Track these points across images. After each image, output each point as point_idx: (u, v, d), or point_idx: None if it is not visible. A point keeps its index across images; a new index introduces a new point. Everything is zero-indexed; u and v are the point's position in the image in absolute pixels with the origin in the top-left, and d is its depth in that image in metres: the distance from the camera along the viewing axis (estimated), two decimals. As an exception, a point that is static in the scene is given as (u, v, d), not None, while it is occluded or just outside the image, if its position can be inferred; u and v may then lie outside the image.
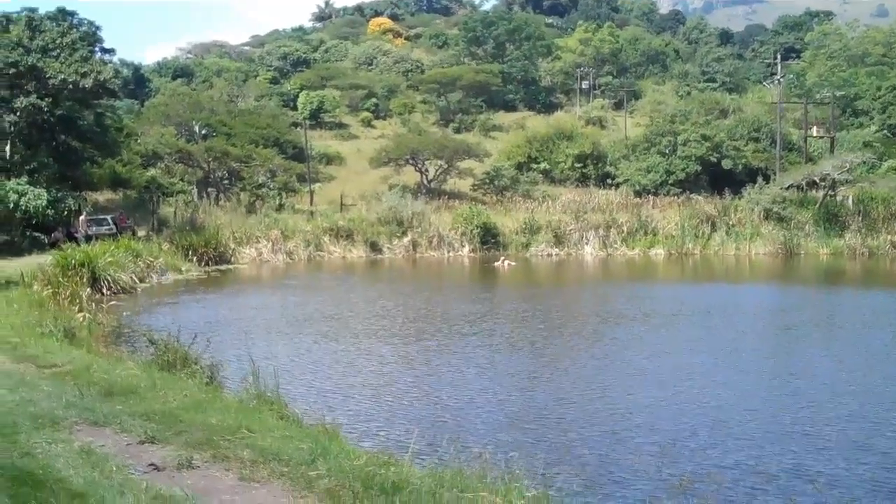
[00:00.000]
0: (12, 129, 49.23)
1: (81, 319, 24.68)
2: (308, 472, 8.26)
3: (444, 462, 9.10)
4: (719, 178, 69.93)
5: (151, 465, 8.69)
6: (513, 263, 51.02)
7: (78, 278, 31.27)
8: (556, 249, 58.04)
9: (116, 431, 10.11)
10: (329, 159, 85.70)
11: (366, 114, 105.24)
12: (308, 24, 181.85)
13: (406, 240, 57.65)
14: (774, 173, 66.97)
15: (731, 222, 58.73)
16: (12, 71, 47.60)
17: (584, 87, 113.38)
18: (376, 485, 7.78)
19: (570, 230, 59.06)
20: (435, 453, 9.90)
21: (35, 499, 7.26)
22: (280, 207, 63.87)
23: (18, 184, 45.76)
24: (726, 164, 73.00)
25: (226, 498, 7.72)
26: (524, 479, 8.16)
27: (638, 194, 69.08)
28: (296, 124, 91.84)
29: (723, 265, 52.54)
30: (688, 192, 67.67)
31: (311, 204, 67.02)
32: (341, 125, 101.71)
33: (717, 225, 58.61)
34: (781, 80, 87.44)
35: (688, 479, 11.94)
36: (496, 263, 50.68)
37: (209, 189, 68.36)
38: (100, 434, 9.98)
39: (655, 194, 68.01)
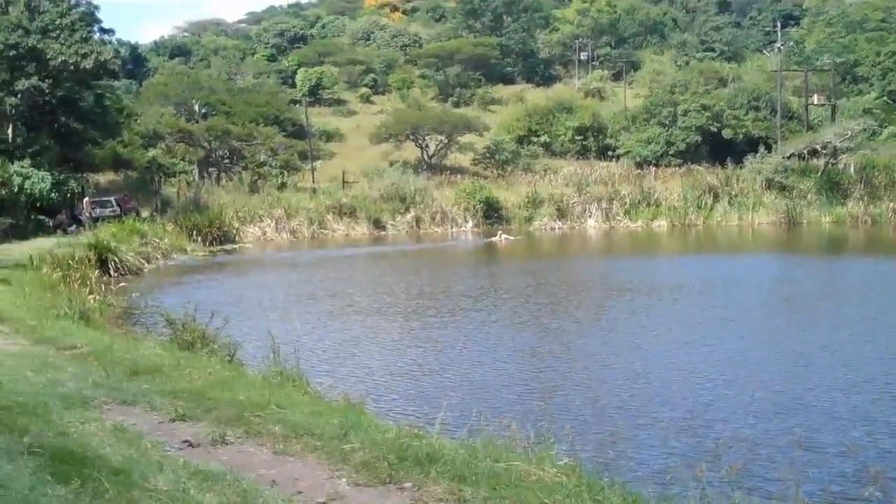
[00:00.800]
0: (14, 111, 49.17)
1: (93, 301, 24.84)
2: (341, 445, 8.39)
3: (473, 434, 9.26)
4: (720, 148, 69.89)
5: (185, 441, 8.83)
6: (510, 238, 50.96)
7: (86, 261, 31.41)
8: (560, 223, 58.20)
9: (146, 410, 10.24)
10: (329, 136, 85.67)
11: (364, 89, 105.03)
12: (304, 0, 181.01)
13: (409, 216, 57.82)
14: (775, 142, 67.02)
15: (733, 192, 58.86)
16: (13, 53, 47.45)
17: (582, 58, 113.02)
18: (410, 456, 7.92)
19: (573, 203, 59.20)
20: (462, 426, 10.05)
21: (78, 475, 7.41)
22: (282, 186, 63.94)
23: (22, 167, 45.76)
24: (727, 133, 72.95)
25: (263, 472, 7.87)
26: (555, 447, 8.32)
27: (639, 166, 69.13)
28: (295, 101, 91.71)
29: (726, 235, 52.74)
30: (689, 162, 67.64)
31: (313, 181, 67.04)
32: (340, 101, 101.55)
33: (719, 195, 58.75)
34: (781, 47, 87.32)
35: (721, 443, 12.10)
36: (493, 238, 50.69)
37: (210, 168, 68.39)
38: (130, 413, 10.11)
39: (657, 165, 68.03)
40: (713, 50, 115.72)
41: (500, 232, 52.00)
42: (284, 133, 75.84)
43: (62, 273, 27.78)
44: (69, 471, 7.56)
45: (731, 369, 18.00)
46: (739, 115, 75.71)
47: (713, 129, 72.91)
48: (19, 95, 48.02)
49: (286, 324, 23.42)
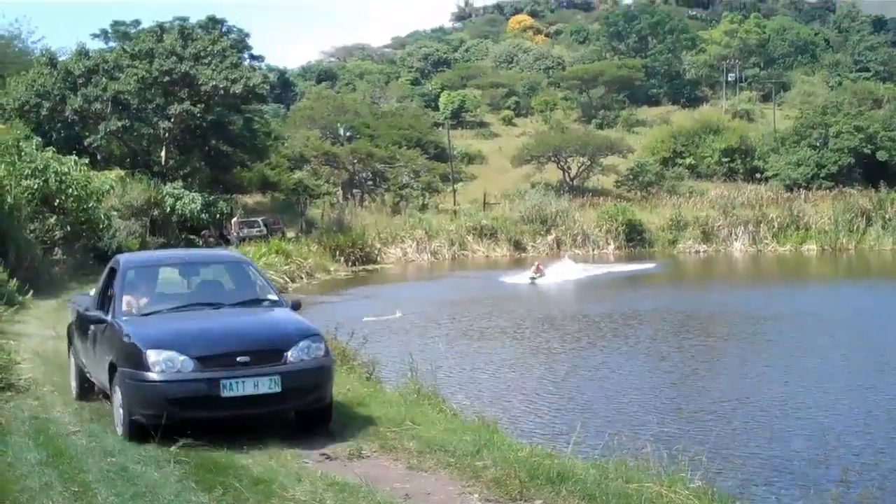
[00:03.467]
0: (167, 135, 51.18)
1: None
2: (474, 462, 8.49)
3: (606, 455, 9.23)
4: (874, 171, 67.48)
5: (323, 454, 9.08)
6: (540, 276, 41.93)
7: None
8: (704, 246, 57.06)
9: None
10: (471, 158, 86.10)
11: (507, 112, 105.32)
12: (448, 24, 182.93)
13: (550, 238, 57.60)
14: (933, 164, 64.39)
15: (887, 216, 56.56)
16: (167, 79, 49.38)
17: (730, 79, 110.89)
18: (541, 474, 7.95)
19: (719, 226, 57.91)
20: (596, 447, 10.04)
21: (221, 484, 7.69)
22: (424, 207, 64.59)
23: (174, 188, 47.68)
24: (881, 155, 70.35)
25: (397, 486, 8.02)
26: (688, 470, 8.23)
27: (788, 188, 67.30)
28: (437, 124, 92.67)
29: (879, 260, 50.82)
30: (841, 185, 65.50)
31: (455, 203, 67.53)
32: (482, 124, 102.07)
33: (872, 219, 56.56)
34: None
35: (852, 470, 11.75)
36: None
37: (354, 190, 69.67)
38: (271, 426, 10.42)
39: (807, 188, 66.10)
40: (867, 70, 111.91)
41: (537, 264, 43.31)
42: (427, 155, 76.58)
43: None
44: (212, 479, 7.87)
45: (870, 400, 17.38)
46: (895, 136, 72.92)
47: (867, 151, 70.39)
48: (172, 119, 49.85)
49: (426, 343, 23.73)
